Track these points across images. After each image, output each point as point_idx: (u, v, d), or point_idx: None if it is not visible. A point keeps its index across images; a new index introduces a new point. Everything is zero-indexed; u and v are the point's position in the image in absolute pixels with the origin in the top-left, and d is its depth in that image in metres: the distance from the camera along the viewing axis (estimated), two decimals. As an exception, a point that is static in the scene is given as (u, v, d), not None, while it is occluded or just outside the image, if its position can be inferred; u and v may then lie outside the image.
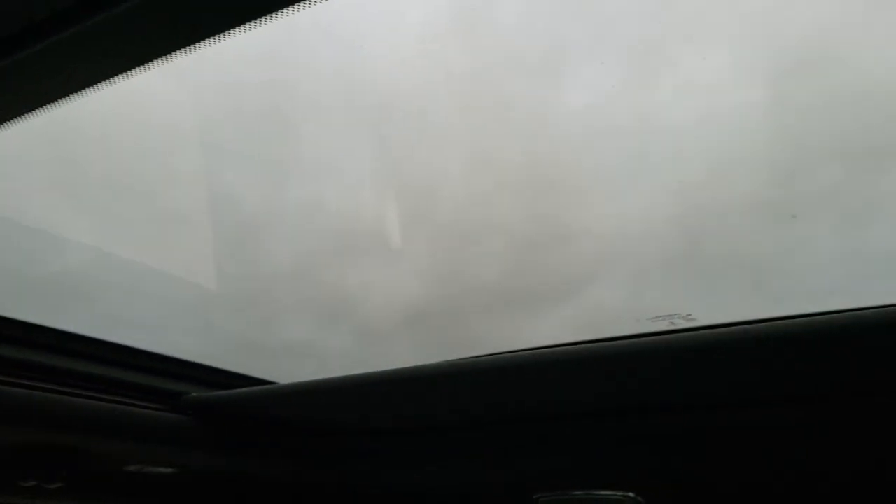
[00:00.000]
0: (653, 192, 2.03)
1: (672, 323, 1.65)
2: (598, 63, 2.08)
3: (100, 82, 0.95)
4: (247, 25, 0.89)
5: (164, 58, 0.92)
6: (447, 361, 1.62)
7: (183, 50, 0.92)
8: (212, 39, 0.90)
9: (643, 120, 2.06)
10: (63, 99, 0.97)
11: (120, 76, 0.96)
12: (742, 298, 1.93)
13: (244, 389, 1.80)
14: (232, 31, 0.89)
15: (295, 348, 2.07)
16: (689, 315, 1.65)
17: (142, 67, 0.94)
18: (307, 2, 0.88)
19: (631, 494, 1.69)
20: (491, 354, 1.65)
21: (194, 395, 1.83)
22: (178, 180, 2.00)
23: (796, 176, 2.02)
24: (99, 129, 1.91)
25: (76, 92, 0.96)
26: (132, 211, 2.02)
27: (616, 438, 1.67)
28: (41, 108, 0.99)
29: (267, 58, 1.95)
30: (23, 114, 1.00)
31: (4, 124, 1.02)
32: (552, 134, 2.13)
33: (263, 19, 0.88)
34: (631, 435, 1.65)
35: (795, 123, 2.04)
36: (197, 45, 0.91)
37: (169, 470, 1.78)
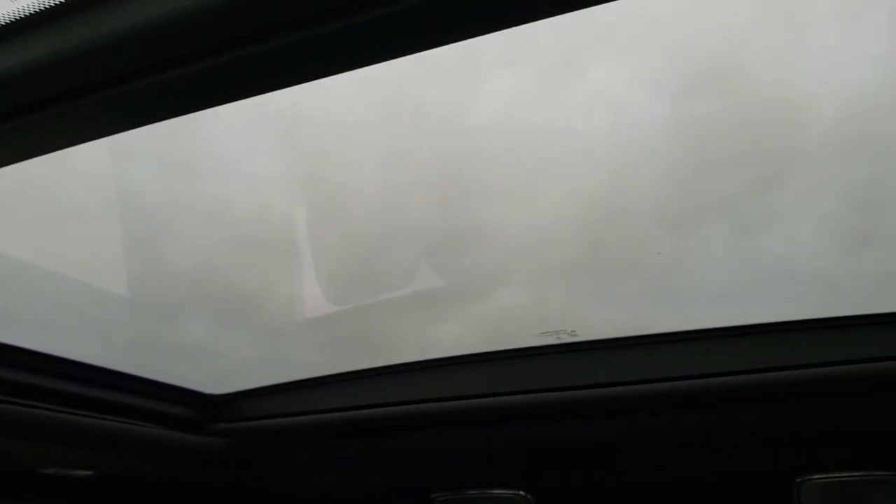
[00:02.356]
0: (558, 198, 2.08)
1: (558, 338, 1.76)
2: (512, 69, 2.12)
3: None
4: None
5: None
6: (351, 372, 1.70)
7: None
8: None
9: (552, 127, 2.10)
10: None
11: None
12: (638, 302, 2.00)
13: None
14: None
15: (195, 348, 2.04)
16: (573, 331, 1.77)
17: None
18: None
19: (522, 493, 1.75)
20: (393, 365, 1.72)
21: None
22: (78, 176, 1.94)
23: (695, 185, 2.09)
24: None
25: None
26: (28, 208, 1.95)
27: (509, 442, 1.73)
28: None
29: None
30: None
31: None
32: (465, 137, 2.15)
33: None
34: (522, 439, 1.72)
35: (697, 134, 2.11)
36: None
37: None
